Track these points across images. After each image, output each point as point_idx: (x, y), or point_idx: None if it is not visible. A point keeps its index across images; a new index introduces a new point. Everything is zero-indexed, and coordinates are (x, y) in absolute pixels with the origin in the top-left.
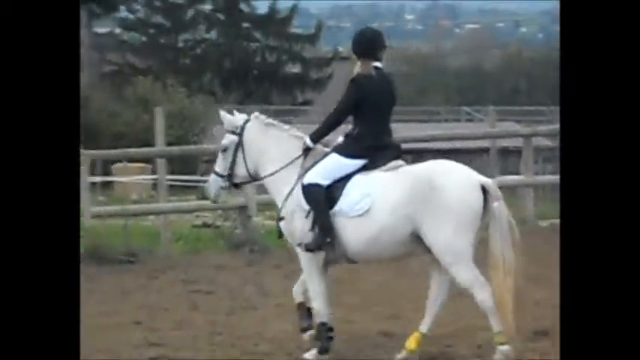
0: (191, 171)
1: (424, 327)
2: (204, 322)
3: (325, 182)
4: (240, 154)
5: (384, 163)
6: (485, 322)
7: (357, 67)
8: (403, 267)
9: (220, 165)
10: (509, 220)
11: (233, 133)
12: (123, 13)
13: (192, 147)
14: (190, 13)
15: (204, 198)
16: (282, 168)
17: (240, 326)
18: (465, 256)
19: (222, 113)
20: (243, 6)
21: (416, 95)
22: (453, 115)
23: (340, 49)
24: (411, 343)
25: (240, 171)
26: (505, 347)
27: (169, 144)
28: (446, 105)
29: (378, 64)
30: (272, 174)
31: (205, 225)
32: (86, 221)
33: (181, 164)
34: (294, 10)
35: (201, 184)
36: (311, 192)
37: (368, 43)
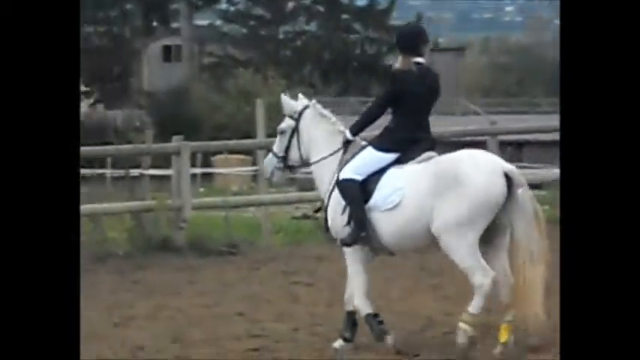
0: None
1: (508, 316)
2: (304, 314)
3: (359, 177)
4: (295, 139)
5: (418, 155)
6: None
7: (398, 62)
8: None
9: (277, 146)
10: (534, 207)
11: (291, 117)
12: (223, 5)
13: None
14: (291, 4)
15: (304, 190)
16: (323, 158)
17: (340, 318)
18: (471, 240)
19: (283, 97)
20: None
21: (515, 87)
22: (552, 107)
23: (440, 40)
24: (502, 334)
25: (294, 155)
26: (467, 328)
27: (269, 135)
28: (546, 97)
29: (419, 59)
30: (315, 162)
31: (305, 216)
32: (187, 213)
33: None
34: (393, 1)
35: (300, 176)
36: (346, 187)
37: (408, 39)
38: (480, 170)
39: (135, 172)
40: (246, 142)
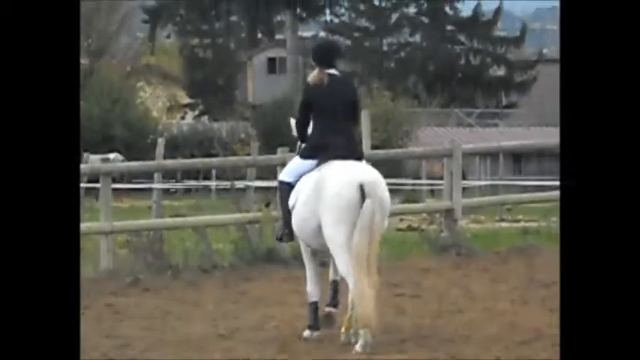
0: (396, 174)
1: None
2: (411, 326)
3: (290, 179)
4: None
5: (325, 161)
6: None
7: (312, 74)
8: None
9: None
10: (373, 220)
11: None
12: (327, 16)
13: (398, 150)
14: (395, 16)
15: (409, 201)
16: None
17: (446, 330)
18: (342, 246)
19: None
20: (447, 9)
21: None
22: None
23: (545, 51)
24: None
25: None
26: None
27: (374, 147)
28: None
29: (332, 70)
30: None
31: (411, 228)
32: None
33: (386, 167)
34: (498, 12)
35: (405, 188)
36: (278, 188)
37: (321, 53)
38: (338, 180)
39: (240, 183)
40: None
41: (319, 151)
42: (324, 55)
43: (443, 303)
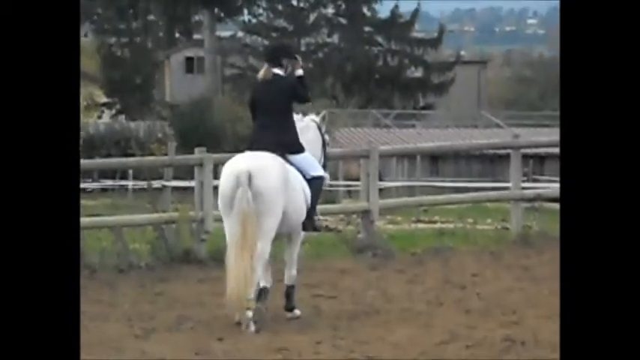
0: None
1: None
2: (326, 327)
3: None
4: None
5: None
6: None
7: (260, 72)
8: (526, 273)
9: None
10: (240, 205)
11: None
12: (246, 16)
13: None
14: (313, 17)
15: (326, 202)
16: None
17: (362, 331)
18: (226, 226)
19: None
20: (365, 10)
21: (538, 100)
22: None
23: (462, 53)
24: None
25: None
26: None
27: None
28: None
29: (277, 70)
30: None
31: (328, 229)
32: (209, 225)
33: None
34: (416, 14)
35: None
36: None
37: (271, 52)
38: (223, 172)
39: (157, 183)
40: None
41: (250, 145)
42: (273, 54)
43: (359, 304)
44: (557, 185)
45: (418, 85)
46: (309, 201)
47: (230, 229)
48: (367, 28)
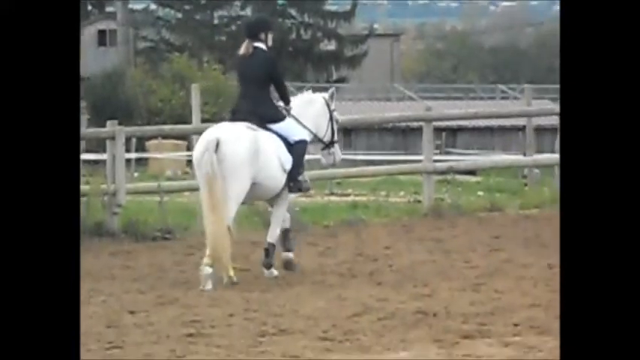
0: None
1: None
2: (239, 299)
3: None
4: None
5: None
6: (524, 300)
7: (242, 47)
8: (438, 246)
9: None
10: (205, 169)
11: None
12: None
13: None
14: None
15: None
16: None
17: (275, 303)
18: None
19: None
20: None
21: (451, 73)
22: (488, 93)
23: (375, 26)
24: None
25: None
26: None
27: (205, 121)
28: (481, 83)
29: (258, 44)
30: None
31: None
32: (122, 198)
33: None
34: None
35: None
36: None
37: (249, 27)
38: (199, 139)
39: None
40: (181, 127)
41: (232, 114)
42: (252, 28)
43: (271, 276)
44: (469, 158)
45: (331, 58)
46: (287, 167)
47: (200, 193)
48: (280, 1)
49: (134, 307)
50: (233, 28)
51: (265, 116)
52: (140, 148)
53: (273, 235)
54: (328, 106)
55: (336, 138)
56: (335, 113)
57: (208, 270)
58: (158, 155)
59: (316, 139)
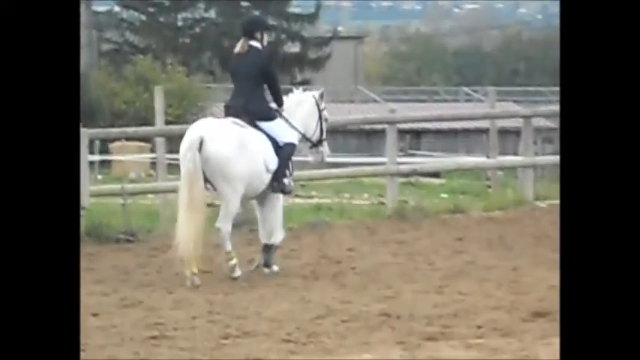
0: None
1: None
2: (203, 302)
3: None
4: None
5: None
6: (487, 302)
7: (237, 45)
8: (402, 248)
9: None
10: (187, 167)
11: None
12: None
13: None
14: None
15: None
16: None
17: (239, 305)
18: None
19: None
20: None
21: (415, 75)
22: (451, 96)
23: (339, 28)
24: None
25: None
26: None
27: (168, 123)
28: (445, 85)
29: (253, 42)
30: None
31: (207, 204)
32: (85, 200)
33: (180, 143)
34: None
35: None
36: None
37: (246, 26)
38: (184, 136)
39: None
40: (145, 129)
41: (225, 112)
42: (247, 27)
43: (236, 279)
44: (433, 160)
45: (295, 60)
46: (271, 167)
47: (179, 190)
48: (244, 3)
49: (97, 310)
50: (197, 30)
51: (256, 114)
52: (104, 150)
53: (277, 237)
54: (318, 105)
55: (324, 136)
56: (324, 112)
57: (233, 261)
58: (122, 157)
59: (304, 139)
